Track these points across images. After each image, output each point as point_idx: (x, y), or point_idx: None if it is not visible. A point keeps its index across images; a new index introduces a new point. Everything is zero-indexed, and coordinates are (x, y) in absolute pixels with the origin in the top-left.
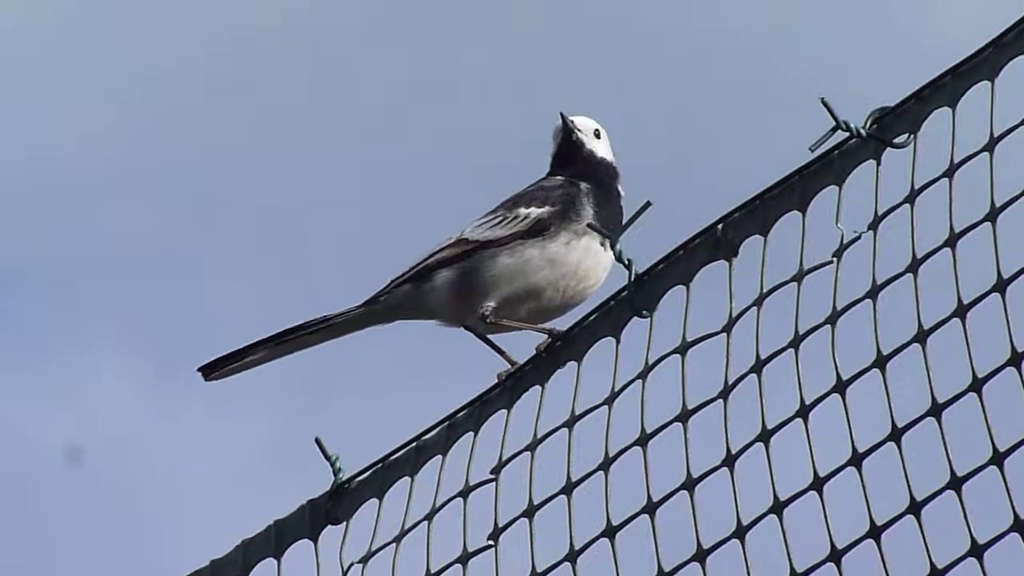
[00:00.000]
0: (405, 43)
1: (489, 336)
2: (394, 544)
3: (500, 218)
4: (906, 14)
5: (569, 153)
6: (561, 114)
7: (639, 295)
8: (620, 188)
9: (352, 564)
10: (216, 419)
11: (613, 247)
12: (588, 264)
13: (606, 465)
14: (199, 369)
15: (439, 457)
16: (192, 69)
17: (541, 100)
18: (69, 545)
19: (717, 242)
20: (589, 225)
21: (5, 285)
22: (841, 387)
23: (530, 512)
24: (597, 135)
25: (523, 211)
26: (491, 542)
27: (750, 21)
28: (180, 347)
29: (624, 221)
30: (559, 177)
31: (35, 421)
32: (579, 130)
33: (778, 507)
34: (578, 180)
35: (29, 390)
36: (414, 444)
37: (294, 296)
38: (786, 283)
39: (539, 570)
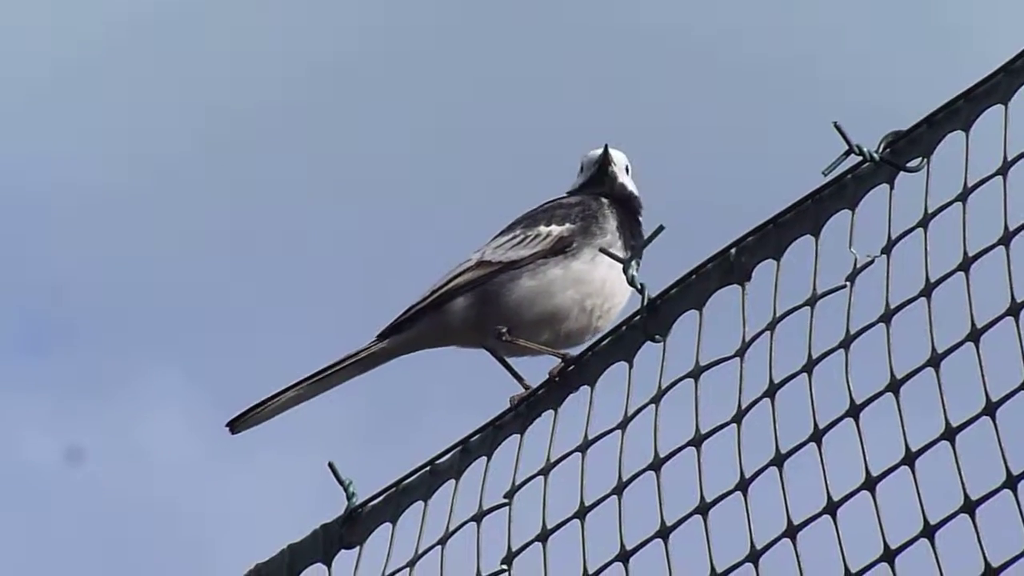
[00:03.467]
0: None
1: (508, 360)
2: (407, 569)
3: (520, 237)
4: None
5: (600, 183)
6: (606, 146)
7: (652, 320)
8: (641, 221)
9: None
10: (273, 452)
11: (626, 271)
12: (614, 280)
13: (619, 489)
14: (227, 424)
15: (452, 481)
16: (253, 110)
17: (558, 119)
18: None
19: (730, 267)
20: (602, 250)
21: (65, 314)
22: (855, 411)
23: (543, 536)
24: (627, 170)
25: (544, 229)
26: (504, 566)
27: (763, 41)
28: (238, 378)
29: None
30: (577, 195)
31: (94, 449)
32: (614, 163)
33: (792, 531)
34: (599, 196)
35: (88, 418)
36: (427, 468)
37: (352, 330)
38: (799, 307)
39: None
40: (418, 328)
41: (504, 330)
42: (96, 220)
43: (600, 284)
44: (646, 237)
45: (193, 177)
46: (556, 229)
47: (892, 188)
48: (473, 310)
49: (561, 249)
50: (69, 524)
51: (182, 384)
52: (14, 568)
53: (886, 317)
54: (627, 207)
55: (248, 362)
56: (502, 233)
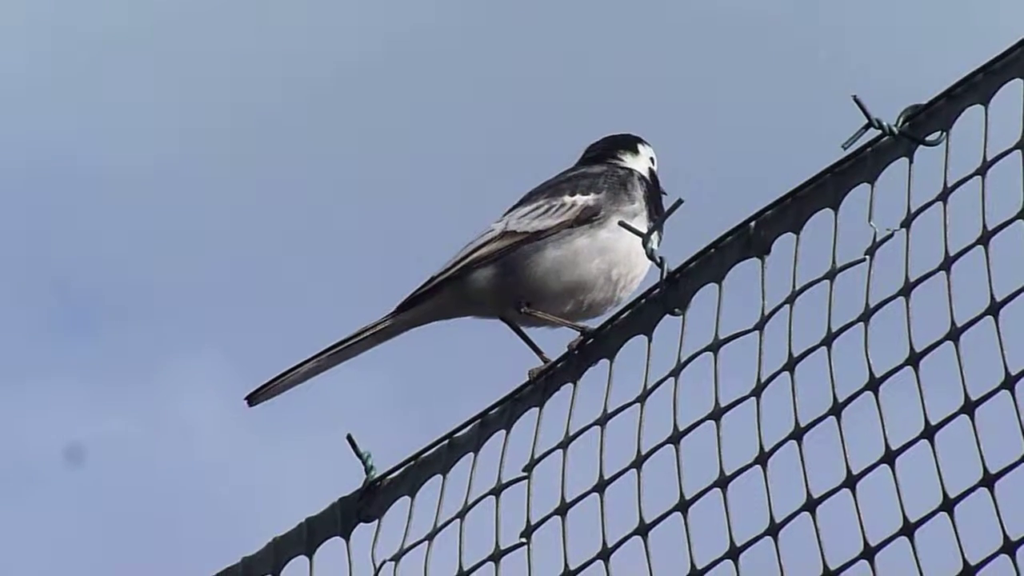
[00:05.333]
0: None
1: (525, 330)
2: (426, 542)
3: (545, 207)
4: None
5: None
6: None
7: (671, 293)
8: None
9: (384, 562)
10: (313, 437)
11: (645, 244)
12: (638, 249)
13: (638, 463)
14: (246, 398)
15: (471, 455)
16: (303, 89)
17: (577, 93)
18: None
19: (749, 240)
20: (621, 223)
21: (107, 302)
22: (874, 385)
23: (562, 510)
24: (652, 161)
25: (569, 199)
26: (523, 540)
27: (787, 13)
28: (278, 358)
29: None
30: (600, 164)
31: (136, 436)
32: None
33: (811, 505)
34: (627, 166)
35: (127, 404)
36: (446, 442)
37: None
38: (818, 281)
39: (572, 568)
40: (437, 299)
41: (525, 302)
42: (137, 200)
43: (625, 253)
44: (666, 210)
45: (235, 156)
46: (582, 199)
47: (911, 162)
48: (496, 280)
49: (587, 219)
50: (101, 500)
51: (220, 364)
52: (55, 542)
53: (905, 291)
54: (654, 180)
55: (288, 341)
56: (523, 203)
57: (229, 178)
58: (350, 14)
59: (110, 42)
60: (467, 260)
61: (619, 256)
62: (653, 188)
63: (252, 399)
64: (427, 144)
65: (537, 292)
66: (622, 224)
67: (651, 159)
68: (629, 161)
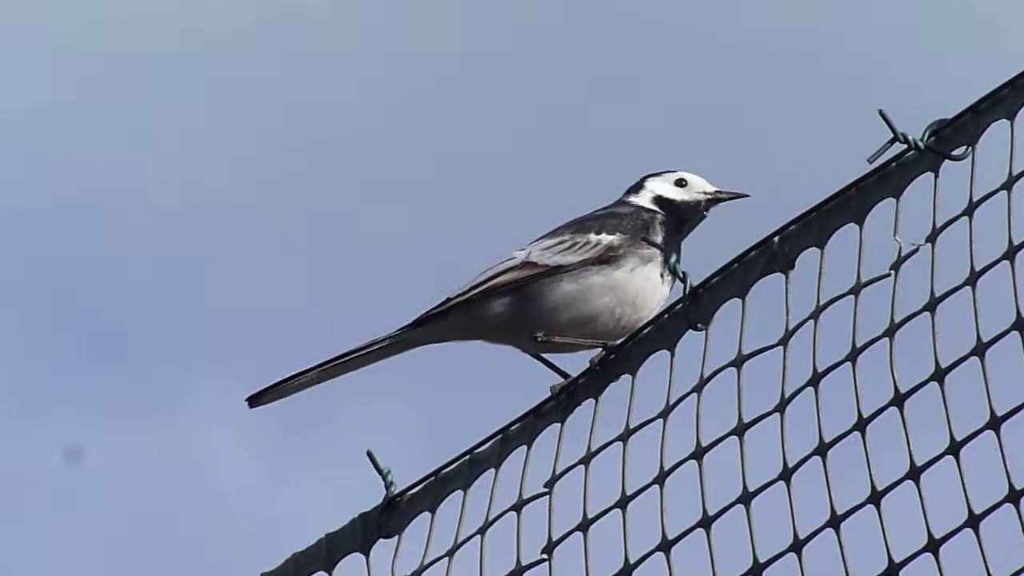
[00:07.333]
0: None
1: (542, 354)
2: (447, 558)
3: (569, 243)
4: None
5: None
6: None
7: (694, 308)
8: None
9: None
10: (328, 469)
11: (668, 260)
12: (647, 293)
13: (661, 479)
14: (247, 399)
15: (492, 470)
16: (307, 131)
17: (596, 109)
18: None
19: (773, 255)
20: (643, 239)
21: (121, 329)
22: (899, 400)
23: (584, 526)
24: (679, 184)
25: (594, 237)
26: (545, 556)
27: (810, 29)
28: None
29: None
30: (630, 204)
31: (157, 464)
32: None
33: (835, 521)
34: (652, 208)
35: (140, 434)
36: (467, 457)
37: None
38: (843, 296)
39: None
40: (450, 320)
41: (540, 334)
42: (158, 233)
43: (633, 295)
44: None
45: (259, 188)
46: (607, 238)
47: (937, 176)
48: (511, 308)
49: (609, 258)
50: (124, 528)
51: (235, 396)
52: (75, 569)
53: (931, 306)
54: (680, 217)
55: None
56: (549, 235)
57: (259, 209)
58: (365, 64)
59: (132, 81)
60: (485, 286)
61: (627, 297)
62: (678, 224)
63: (253, 401)
64: (444, 171)
65: (547, 323)
66: (644, 239)
67: (679, 181)
68: (663, 190)
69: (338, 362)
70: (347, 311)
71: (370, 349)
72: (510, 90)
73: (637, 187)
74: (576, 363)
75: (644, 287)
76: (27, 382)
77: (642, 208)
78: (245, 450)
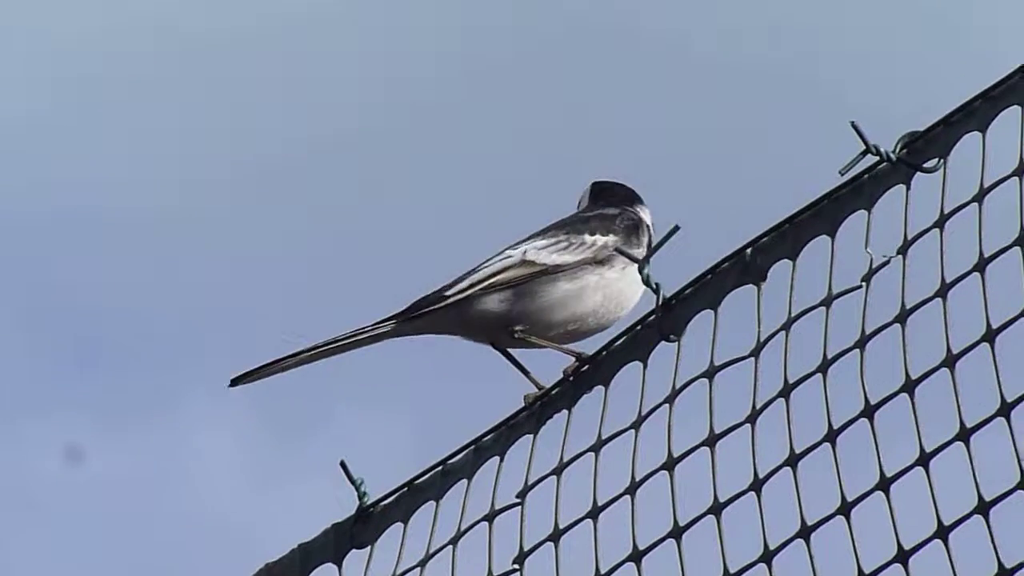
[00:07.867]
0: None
1: (513, 354)
2: (419, 568)
3: (566, 243)
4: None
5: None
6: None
7: (667, 319)
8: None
9: None
10: (317, 478)
11: (641, 271)
12: (630, 293)
13: (632, 489)
14: (230, 381)
15: (465, 481)
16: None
17: (573, 113)
18: None
19: (746, 267)
20: (617, 249)
21: (118, 337)
22: (869, 412)
23: (556, 536)
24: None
25: (589, 238)
26: (516, 566)
27: (779, 42)
28: (289, 398)
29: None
30: (613, 208)
31: (150, 472)
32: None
33: (805, 532)
34: (632, 210)
35: (135, 443)
36: (440, 468)
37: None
38: (815, 307)
39: None
40: (437, 315)
41: (520, 328)
42: (149, 240)
43: (618, 293)
44: (661, 237)
45: (258, 196)
46: (602, 239)
47: (909, 188)
48: (506, 306)
49: (604, 259)
50: (115, 536)
51: (231, 404)
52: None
53: (901, 318)
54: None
55: (304, 380)
56: (540, 235)
57: (259, 209)
58: (362, 67)
59: (118, 89)
60: (486, 283)
61: (612, 293)
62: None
63: (235, 382)
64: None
65: (539, 320)
66: (617, 250)
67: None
68: (639, 212)
69: (322, 349)
70: (347, 311)
71: (357, 338)
72: (510, 90)
73: (640, 203)
74: (549, 372)
75: (628, 287)
76: (21, 387)
77: (627, 209)
78: (237, 456)
